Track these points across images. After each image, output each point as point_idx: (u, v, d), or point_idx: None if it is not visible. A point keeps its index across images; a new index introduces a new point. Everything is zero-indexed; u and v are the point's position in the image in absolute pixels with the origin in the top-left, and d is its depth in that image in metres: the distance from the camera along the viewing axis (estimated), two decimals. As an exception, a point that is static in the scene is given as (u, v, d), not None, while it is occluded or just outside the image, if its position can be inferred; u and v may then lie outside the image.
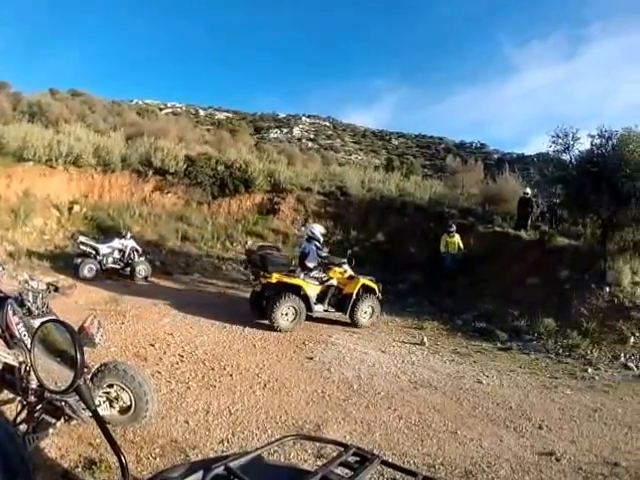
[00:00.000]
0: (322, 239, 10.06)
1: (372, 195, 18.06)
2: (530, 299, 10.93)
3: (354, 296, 9.63)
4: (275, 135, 56.85)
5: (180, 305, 9.83)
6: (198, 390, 5.70)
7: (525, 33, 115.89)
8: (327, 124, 65.55)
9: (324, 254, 9.89)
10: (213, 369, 6.49)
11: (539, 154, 14.55)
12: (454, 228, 13.75)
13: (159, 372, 6.12)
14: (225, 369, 6.54)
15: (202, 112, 62.84)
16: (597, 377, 7.91)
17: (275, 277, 9.00)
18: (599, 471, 4.63)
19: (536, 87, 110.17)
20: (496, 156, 49.11)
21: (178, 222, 16.09)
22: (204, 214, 16.86)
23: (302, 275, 9.39)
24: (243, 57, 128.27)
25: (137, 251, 12.54)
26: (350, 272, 10.06)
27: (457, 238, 13.71)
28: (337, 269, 9.92)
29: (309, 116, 66.12)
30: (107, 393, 4.21)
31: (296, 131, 60.61)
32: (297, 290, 9.14)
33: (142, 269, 12.24)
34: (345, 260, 10.19)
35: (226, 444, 4.49)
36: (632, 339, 9.19)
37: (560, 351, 9.12)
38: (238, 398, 5.59)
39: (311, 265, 9.58)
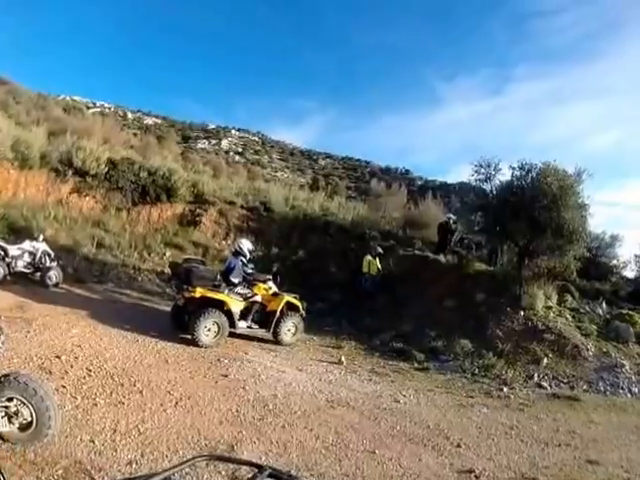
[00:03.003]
0: (249, 255, 9.84)
1: (295, 213, 17.80)
2: (447, 321, 11.09)
3: (278, 313, 9.52)
4: (203, 146, 55.52)
5: (91, 315, 9.25)
6: (105, 407, 5.31)
7: (452, 68, 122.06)
8: (256, 139, 65.16)
9: (249, 270, 9.67)
10: (122, 385, 6.07)
11: (461, 183, 15.01)
12: (380, 251, 13.80)
13: (64, 386, 5.66)
14: (135, 385, 6.13)
15: (130, 115, 60.52)
16: (512, 396, 8.16)
17: (199, 291, 8.69)
18: (519, 486, 4.63)
19: (460, 119, 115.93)
20: (420, 182, 50.76)
21: (95, 228, 15.02)
22: (123, 221, 15.85)
23: (226, 290, 9.08)
24: (172, 63, 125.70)
25: (49, 255, 11.58)
26: (275, 289, 9.93)
27: (377, 260, 13.73)
28: (262, 285, 9.75)
29: (239, 129, 65.42)
30: (6, 407, 3.82)
31: (224, 143, 59.65)
32: (221, 305, 8.85)
33: (53, 275, 11.32)
34: (270, 277, 10.06)
35: (134, 466, 4.20)
36: (545, 360, 9.61)
37: (476, 371, 9.33)
38: (148, 416, 5.26)
39: (236, 280, 9.33)
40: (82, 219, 15.14)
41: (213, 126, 64.95)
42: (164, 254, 14.90)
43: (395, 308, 12.47)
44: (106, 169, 16.14)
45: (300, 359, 8.89)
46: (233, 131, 64.67)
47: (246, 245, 9.84)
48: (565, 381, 9.18)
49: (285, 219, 17.38)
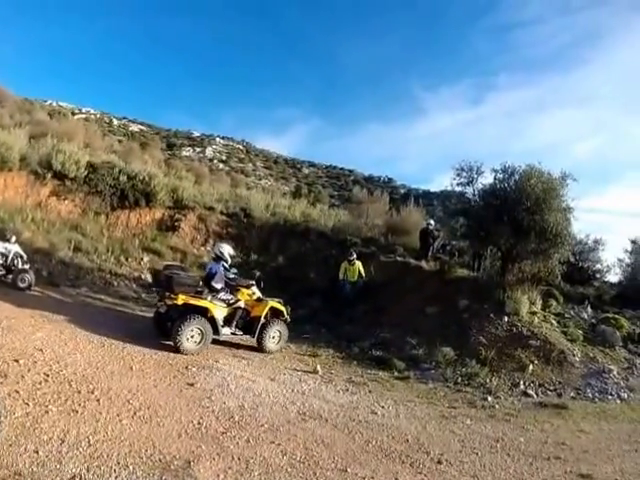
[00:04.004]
0: (230, 260, 9.68)
1: (276, 219, 17.67)
2: (429, 328, 10.84)
3: (262, 319, 9.36)
4: (187, 153, 56.16)
5: (59, 319, 8.95)
6: (57, 415, 5.02)
7: (435, 78, 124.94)
8: (240, 147, 65.97)
9: (232, 275, 9.51)
10: (79, 392, 5.75)
11: (444, 191, 14.87)
12: (354, 256, 13.58)
13: (17, 392, 5.41)
14: (93, 392, 5.80)
15: (116, 122, 61.66)
16: (497, 405, 7.95)
17: (181, 298, 8.56)
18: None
19: (443, 129, 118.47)
20: (403, 191, 51.10)
21: (72, 231, 14.85)
22: (101, 225, 15.72)
23: (209, 297, 8.91)
24: (159, 71, 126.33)
25: (22, 257, 11.36)
26: (258, 294, 9.75)
27: (358, 266, 13.51)
28: (245, 291, 9.57)
29: (223, 137, 66.37)
30: None
31: (209, 151, 60.30)
32: (204, 312, 8.70)
33: (25, 277, 11.06)
34: (253, 282, 9.86)
35: None
36: (531, 367, 9.40)
37: (459, 380, 9.06)
38: (101, 427, 4.95)
39: (218, 286, 9.15)
40: (60, 222, 15.03)
41: (198, 134, 65.88)
42: (141, 259, 14.77)
43: (375, 315, 12.24)
44: (85, 173, 16.08)
45: (273, 368, 8.51)
46: (218, 139, 65.61)
47: (227, 250, 9.59)
48: (552, 388, 9.00)
49: (265, 225, 17.24)
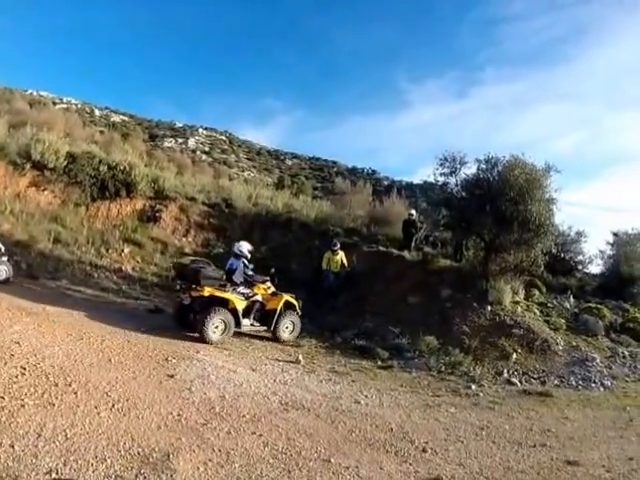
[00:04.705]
0: (249, 256, 10.22)
1: (258, 210, 17.49)
2: (412, 317, 10.88)
3: (278, 311, 9.99)
4: (170, 144, 55.48)
5: (38, 312, 8.75)
6: (34, 409, 4.86)
7: (421, 71, 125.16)
8: (224, 138, 65.46)
9: (250, 272, 10.07)
10: (57, 385, 5.55)
11: (426, 182, 14.83)
12: (338, 246, 13.50)
13: None
14: (71, 385, 5.61)
15: (98, 112, 60.86)
16: (481, 394, 7.93)
17: (207, 290, 9.13)
18: (492, 495, 4.35)
19: (426, 121, 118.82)
20: (386, 183, 51.06)
21: (52, 223, 14.64)
22: (81, 216, 15.46)
23: (230, 290, 9.52)
24: (140, 60, 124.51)
25: None
26: (273, 289, 10.44)
27: (341, 256, 13.45)
28: (261, 285, 10.23)
29: (206, 128, 65.72)
30: None
31: (191, 142, 59.84)
32: (225, 304, 9.30)
33: (3, 270, 10.90)
34: (268, 278, 10.48)
35: (54, 475, 3.79)
36: (514, 355, 9.49)
37: (443, 368, 9.09)
38: (79, 420, 4.77)
39: (238, 281, 9.79)
40: (39, 214, 14.80)
41: (180, 125, 65.21)
42: (122, 250, 14.62)
43: (358, 305, 12.23)
44: (65, 163, 15.80)
45: (255, 358, 8.45)
46: (200, 130, 65.18)
47: (246, 247, 10.19)
48: (536, 376, 9.09)
49: (247, 215, 17.03)
